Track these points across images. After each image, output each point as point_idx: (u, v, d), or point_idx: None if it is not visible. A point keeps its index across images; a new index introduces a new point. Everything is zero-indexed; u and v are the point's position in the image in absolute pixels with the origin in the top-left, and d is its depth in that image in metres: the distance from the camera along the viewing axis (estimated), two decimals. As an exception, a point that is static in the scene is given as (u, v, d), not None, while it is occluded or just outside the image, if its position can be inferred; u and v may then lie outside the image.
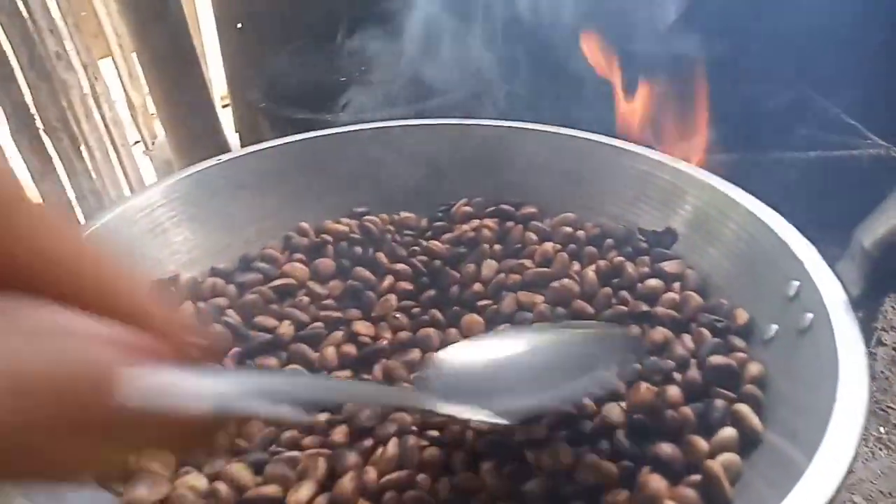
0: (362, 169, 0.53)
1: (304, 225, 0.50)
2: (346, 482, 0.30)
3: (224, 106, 1.14)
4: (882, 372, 0.64)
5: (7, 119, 0.84)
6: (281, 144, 0.52)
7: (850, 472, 0.25)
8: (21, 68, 0.83)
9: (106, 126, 1.00)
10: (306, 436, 0.34)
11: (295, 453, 0.33)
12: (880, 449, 0.58)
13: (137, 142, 1.15)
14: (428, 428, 0.35)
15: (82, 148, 0.93)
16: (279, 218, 0.51)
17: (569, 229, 0.47)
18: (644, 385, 0.33)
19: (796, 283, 0.34)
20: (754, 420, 0.31)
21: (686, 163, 0.44)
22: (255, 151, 0.50)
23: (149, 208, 0.44)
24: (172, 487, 0.29)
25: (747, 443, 0.31)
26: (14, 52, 0.82)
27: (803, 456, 0.26)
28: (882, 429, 0.60)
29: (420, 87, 0.62)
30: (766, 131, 0.66)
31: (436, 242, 0.49)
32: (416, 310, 0.44)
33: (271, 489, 0.29)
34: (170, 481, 0.30)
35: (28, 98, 0.84)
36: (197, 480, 0.30)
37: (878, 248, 0.54)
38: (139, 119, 1.13)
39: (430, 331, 0.42)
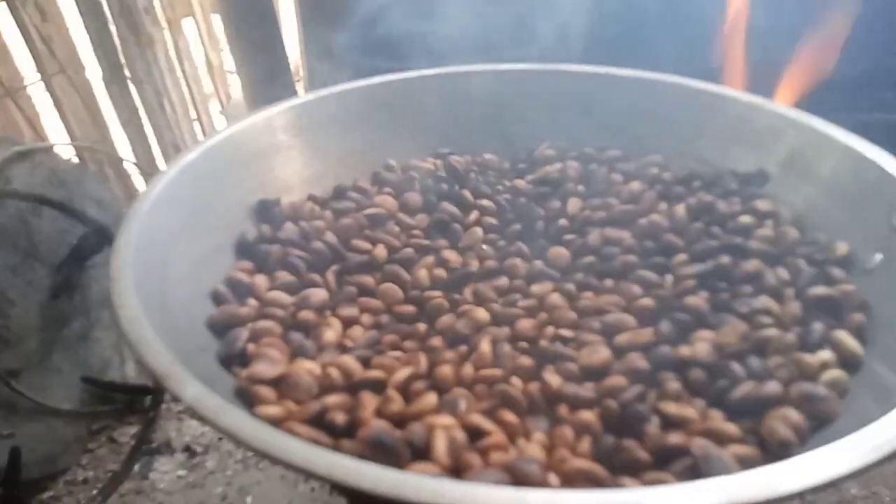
0: (446, 112, 0.55)
1: (392, 162, 0.52)
2: (446, 368, 0.31)
3: (297, 80, 1.16)
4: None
5: (100, 66, 0.88)
6: (373, 84, 0.53)
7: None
8: (113, 19, 0.88)
9: (187, 82, 1.05)
10: (406, 340, 0.36)
11: (397, 353, 0.34)
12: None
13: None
14: (519, 339, 0.36)
15: (164, 102, 0.97)
16: (367, 155, 0.52)
17: (655, 170, 0.47)
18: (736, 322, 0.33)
19: (904, 212, 0.33)
20: (853, 343, 0.31)
21: (783, 104, 0.43)
22: (350, 89, 0.52)
23: (254, 133, 0.47)
24: (290, 369, 0.31)
25: (848, 366, 0.31)
26: (107, 4, 0.87)
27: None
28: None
29: (504, 35, 0.63)
30: (847, 95, 0.64)
31: (520, 181, 0.50)
32: (501, 243, 0.45)
33: (377, 373, 0.31)
34: (286, 365, 0.32)
35: (119, 49, 0.88)
36: (311, 365, 0.32)
37: None
38: (216, 79, 1.18)
39: (517, 261, 0.43)
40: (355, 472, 0.19)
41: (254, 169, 0.46)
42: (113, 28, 0.88)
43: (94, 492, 0.60)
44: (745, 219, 0.41)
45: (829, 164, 0.40)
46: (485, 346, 0.34)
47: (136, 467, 0.62)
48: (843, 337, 0.31)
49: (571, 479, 0.25)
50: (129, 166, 0.95)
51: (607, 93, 0.52)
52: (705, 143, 0.47)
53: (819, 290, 0.34)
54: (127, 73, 0.90)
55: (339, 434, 0.27)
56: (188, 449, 0.64)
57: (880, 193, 0.35)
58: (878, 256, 0.34)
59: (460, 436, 0.27)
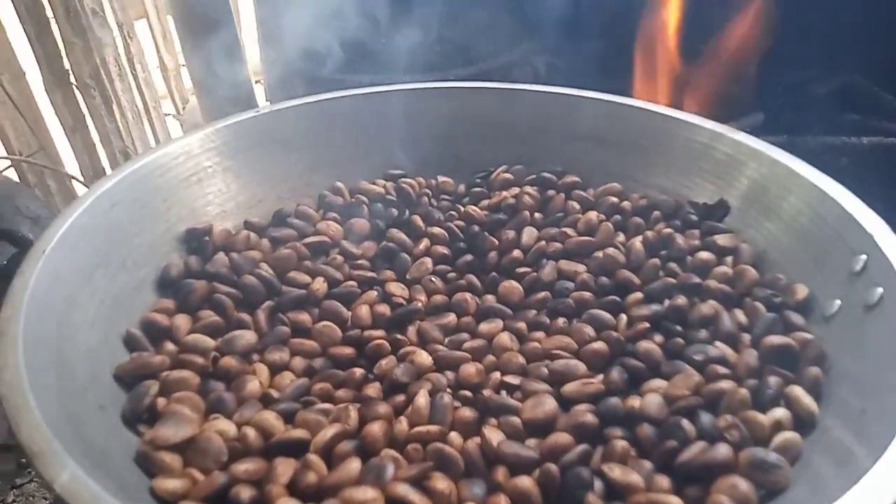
0: (399, 131, 0.52)
1: (339, 184, 0.49)
2: (376, 427, 0.29)
3: (256, 81, 1.13)
4: None
5: (41, 72, 0.84)
6: (318, 101, 0.50)
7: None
8: (57, 22, 0.83)
9: (138, 87, 1.00)
10: (339, 389, 0.33)
11: (327, 405, 0.32)
12: None
13: (166, 110, 1.14)
14: (463, 387, 0.33)
15: (114, 107, 0.92)
16: (314, 176, 0.49)
17: (614, 199, 0.45)
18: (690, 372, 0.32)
19: (863, 257, 0.32)
20: (808, 402, 0.29)
21: (746, 134, 0.42)
22: (293, 106, 0.49)
23: (184, 157, 0.43)
24: (200, 430, 0.28)
25: (803, 425, 0.29)
26: (50, 5, 0.82)
27: (869, 441, 0.24)
28: None
29: (463, 51, 0.60)
30: (816, 116, 0.64)
31: (474, 208, 0.47)
32: (451, 274, 0.43)
33: (299, 433, 0.28)
34: (198, 425, 0.29)
35: (62, 52, 0.84)
36: (225, 425, 0.29)
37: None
38: (171, 83, 1.13)
39: (467, 295, 0.40)
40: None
41: (183, 195, 0.42)
42: (56, 31, 0.83)
43: (20, 531, 0.56)
44: (704, 255, 0.39)
45: (790, 199, 0.38)
46: (421, 399, 0.32)
47: None
48: (799, 394, 0.29)
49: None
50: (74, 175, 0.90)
51: (567, 115, 0.50)
52: (664, 171, 0.45)
53: (776, 339, 0.32)
54: (73, 79, 0.86)
55: (244, 514, 0.24)
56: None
57: (841, 236, 0.34)
58: (837, 303, 0.32)
59: (381, 514, 0.24)
